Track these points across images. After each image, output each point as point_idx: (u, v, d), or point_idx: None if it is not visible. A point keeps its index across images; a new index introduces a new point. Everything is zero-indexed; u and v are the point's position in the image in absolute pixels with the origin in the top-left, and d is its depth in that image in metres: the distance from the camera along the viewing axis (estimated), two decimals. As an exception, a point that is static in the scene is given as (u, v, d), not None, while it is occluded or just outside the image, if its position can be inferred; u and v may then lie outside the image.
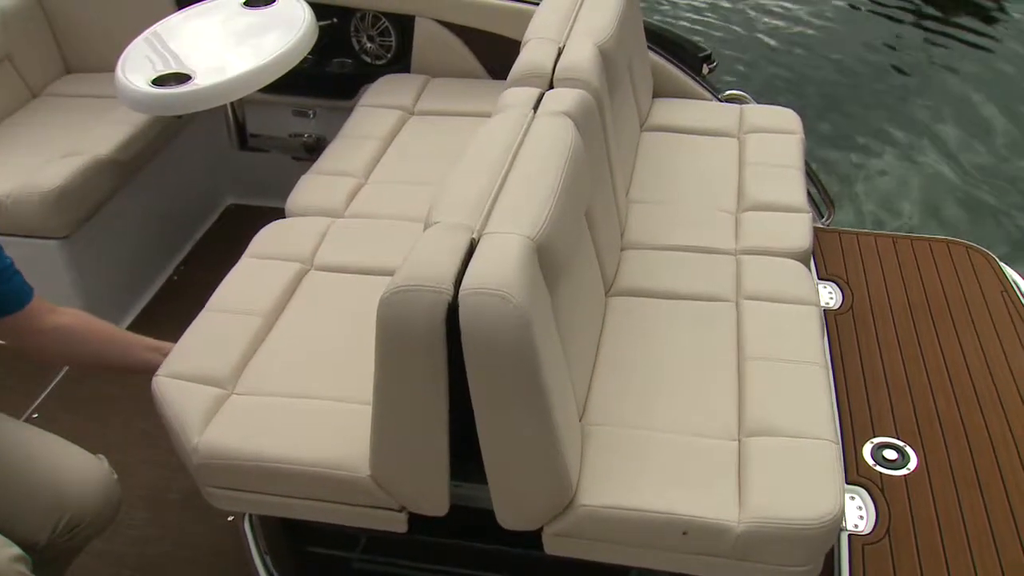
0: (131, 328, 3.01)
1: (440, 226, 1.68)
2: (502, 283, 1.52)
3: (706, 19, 6.78)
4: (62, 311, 1.89)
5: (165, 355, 2.08)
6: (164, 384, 2.03)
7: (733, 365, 2.08)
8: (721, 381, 2.04)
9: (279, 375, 2.06)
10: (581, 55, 2.28)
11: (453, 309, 1.55)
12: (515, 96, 2.17)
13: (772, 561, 1.74)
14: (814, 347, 2.11)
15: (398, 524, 1.89)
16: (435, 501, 1.81)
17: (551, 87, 2.24)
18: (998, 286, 3.04)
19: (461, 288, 1.54)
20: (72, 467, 1.87)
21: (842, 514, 1.73)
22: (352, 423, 1.91)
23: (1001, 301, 2.98)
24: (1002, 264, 3.15)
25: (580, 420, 1.94)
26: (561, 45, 2.37)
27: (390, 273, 2.24)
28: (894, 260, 3.17)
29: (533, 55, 2.30)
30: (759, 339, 2.13)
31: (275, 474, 1.88)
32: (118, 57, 2.84)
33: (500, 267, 1.56)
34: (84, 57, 3.52)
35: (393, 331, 1.57)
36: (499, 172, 1.83)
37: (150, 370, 2.05)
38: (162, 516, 2.49)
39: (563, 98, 2.11)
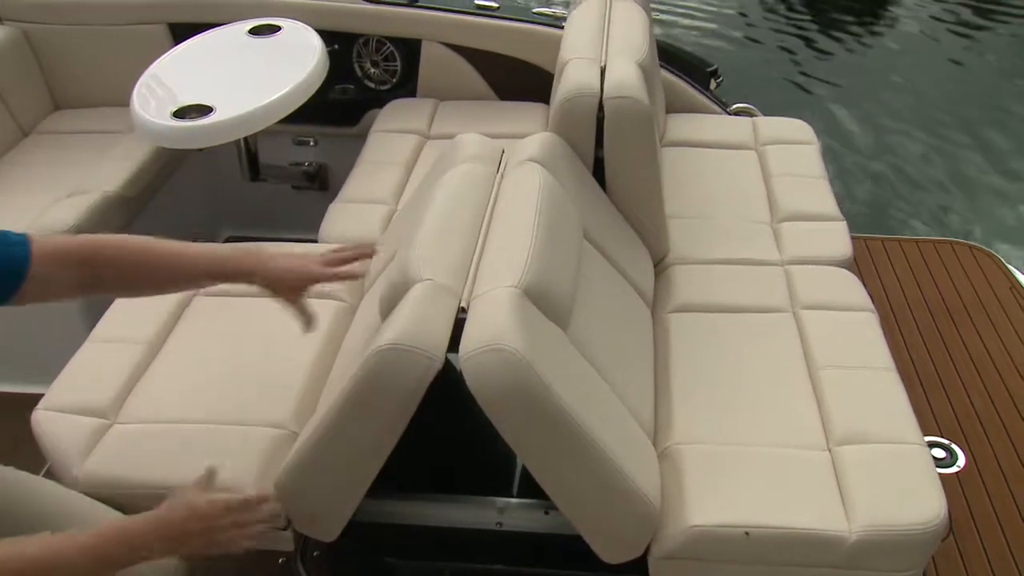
0: None
1: (431, 285, 1.70)
2: (492, 337, 1.56)
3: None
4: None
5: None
6: (44, 417, 2.00)
7: (805, 375, 2.09)
8: (797, 391, 2.05)
9: (161, 402, 2.04)
10: (627, 72, 2.28)
11: (438, 375, 1.61)
12: (473, 147, 2.18)
13: (880, 568, 1.75)
14: (881, 352, 2.14)
15: (284, 543, 1.88)
16: (331, 527, 1.85)
17: (601, 106, 2.24)
18: (1006, 283, 3.14)
19: (460, 356, 1.58)
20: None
21: (947, 516, 1.75)
22: (230, 445, 1.91)
23: (1012, 298, 3.07)
24: (1005, 262, 3.25)
25: (667, 440, 1.93)
26: (602, 64, 2.37)
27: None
28: (904, 263, 3.25)
29: (578, 74, 2.29)
30: (825, 348, 2.15)
31: (158, 500, 1.84)
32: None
33: (488, 323, 1.60)
34: (72, 93, 3.40)
35: (378, 382, 1.61)
36: (476, 233, 1.89)
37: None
38: (212, 561, 2.39)
39: (525, 146, 2.15)
